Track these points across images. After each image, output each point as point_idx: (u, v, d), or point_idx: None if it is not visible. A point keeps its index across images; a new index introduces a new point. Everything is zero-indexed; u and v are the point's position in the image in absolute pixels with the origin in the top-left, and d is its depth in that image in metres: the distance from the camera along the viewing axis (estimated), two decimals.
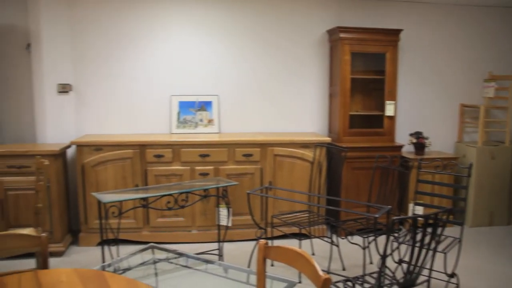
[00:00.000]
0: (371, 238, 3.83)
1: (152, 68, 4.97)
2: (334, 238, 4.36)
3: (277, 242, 4.37)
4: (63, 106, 4.82)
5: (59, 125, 4.80)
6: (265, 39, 5.11)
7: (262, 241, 1.96)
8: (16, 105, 4.89)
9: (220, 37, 5.04)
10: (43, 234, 2.18)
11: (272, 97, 5.19)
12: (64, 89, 4.79)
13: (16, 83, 4.86)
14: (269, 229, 4.39)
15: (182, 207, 3.65)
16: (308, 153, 4.66)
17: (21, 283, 1.91)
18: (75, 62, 4.87)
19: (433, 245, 2.68)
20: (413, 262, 2.64)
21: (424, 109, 5.55)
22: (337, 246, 4.08)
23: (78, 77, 4.89)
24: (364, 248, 3.63)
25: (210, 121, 5.03)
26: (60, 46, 4.75)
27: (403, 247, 3.88)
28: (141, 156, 4.48)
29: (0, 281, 1.93)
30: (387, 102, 4.99)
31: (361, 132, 5.01)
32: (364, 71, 5.15)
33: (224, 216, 4.04)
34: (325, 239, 4.43)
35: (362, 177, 4.86)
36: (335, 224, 4.19)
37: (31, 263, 3.96)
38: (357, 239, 4.05)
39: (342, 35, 4.82)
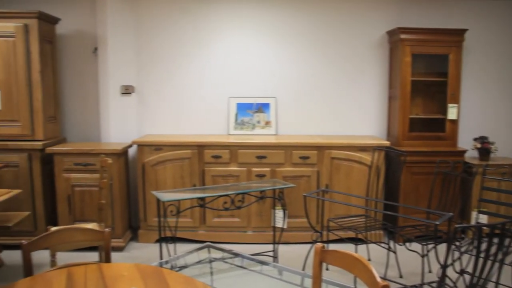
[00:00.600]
0: (430, 246, 3.69)
1: (211, 70, 5.06)
2: (391, 244, 4.25)
3: (332, 246, 4.32)
4: (126, 107, 5.01)
5: (121, 125, 4.99)
6: (323, 40, 5.08)
7: (319, 244, 1.95)
8: (83, 106, 5.14)
9: (278, 39, 5.06)
10: (107, 230, 2.28)
11: (329, 99, 5.15)
12: (127, 90, 4.98)
13: (84, 85, 5.11)
14: (324, 233, 4.35)
15: (239, 207, 3.69)
16: (366, 157, 4.58)
17: (87, 274, 2.01)
18: (137, 64, 5.05)
19: (499, 256, 2.55)
20: (477, 274, 2.52)
21: (489, 113, 5.29)
22: (394, 252, 3.97)
23: (140, 79, 5.07)
24: (423, 256, 3.51)
25: (267, 123, 5.06)
26: (124, 49, 4.94)
27: (465, 257, 3.72)
28: (199, 156, 4.57)
29: (69, 271, 2.04)
30: (450, 105, 4.81)
31: (422, 136, 4.86)
32: (425, 73, 5.00)
33: (279, 218, 4.05)
34: (382, 245, 4.33)
35: (422, 182, 4.71)
36: (393, 229, 4.09)
37: (94, 256, 4.15)
38: (416, 246, 3.92)
39: (402, 36, 4.70)
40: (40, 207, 4.48)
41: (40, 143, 4.42)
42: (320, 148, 4.59)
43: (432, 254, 4.10)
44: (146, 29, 5.01)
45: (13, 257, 4.33)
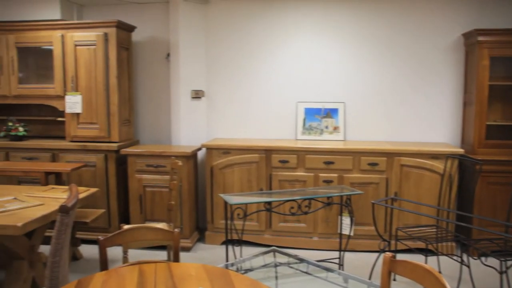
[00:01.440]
0: (510, 263, 3.48)
1: (279, 74, 5.09)
2: (465, 257, 4.04)
3: (400, 256, 4.19)
4: (196, 111, 5.15)
5: (191, 128, 5.13)
6: (393, 43, 4.94)
7: (388, 254, 1.90)
8: (156, 109, 5.35)
9: (347, 43, 4.99)
10: (176, 230, 2.35)
11: (400, 105, 5.00)
12: (197, 95, 5.12)
13: (156, 89, 5.32)
14: (392, 242, 4.22)
15: (305, 213, 3.67)
16: (438, 165, 4.40)
17: (157, 271, 2.08)
18: (207, 69, 5.19)
19: None
20: None
21: None
22: (468, 266, 3.78)
23: (210, 83, 5.20)
24: (501, 273, 3.32)
25: (336, 128, 5.00)
26: (195, 55, 5.09)
27: None
28: (267, 161, 4.60)
29: (140, 268, 2.13)
30: None
31: (500, 144, 4.59)
32: (504, 77, 4.72)
33: (346, 225, 3.98)
34: (454, 257, 4.13)
35: (500, 193, 4.45)
36: (467, 242, 3.89)
37: (162, 254, 4.29)
38: (492, 261, 3.70)
39: (480, 38, 4.47)
40: (114, 206, 4.71)
41: (116, 144, 4.65)
42: (389, 155, 4.47)
43: (511, 271, 3.86)
44: (215, 35, 5.14)
45: (89, 251, 4.59)
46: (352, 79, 5.02)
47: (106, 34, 4.62)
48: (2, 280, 3.53)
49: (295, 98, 5.08)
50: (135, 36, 5.19)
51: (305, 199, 3.69)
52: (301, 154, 4.56)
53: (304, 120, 5.04)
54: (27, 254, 3.29)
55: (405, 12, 4.90)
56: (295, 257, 3.37)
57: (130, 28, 4.99)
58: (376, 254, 4.13)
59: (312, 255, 4.31)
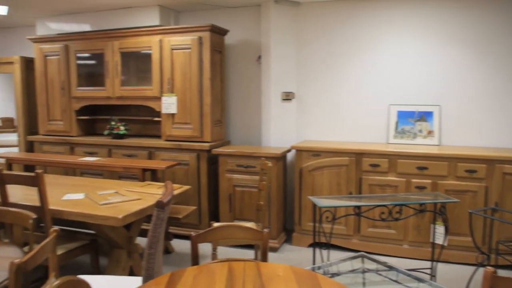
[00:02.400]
0: None
1: (371, 76, 4.96)
2: None
3: (502, 273, 3.90)
4: (286, 112, 5.18)
5: (281, 130, 5.17)
6: (493, 42, 4.60)
7: (490, 269, 1.76)
8: (246, 110, 5.46)
9: (442, 43, 4.74)
10: (265, 230, 2.38)
11: (500, 108, 4.64)
12: (288, 97, 5.15)
13: (247, 91, 5.43)
14: (492, 256, 3.94)
15: (396, 219, 3.55)
16: None
17: (245, 270, 2.12)
18: (298, 71, 5.19)
19: None
20: None
21: None
22: None
23: (300, 85, 5.20)
24: None
25: (430, 133, 4.77)
26: (285, 57, 5.12)
27: None
28: (357, 164, 4.51)
29: (230, 265, 2.18)
30: None
31: None
32: None
33: (440, 234, 3.78)
34: None
35: None
36: None
37: (249, 253, 4.36)
38: None
39: None
40: (205, 203, 4.87)
41: (208, 144, 4.81)
42: (490, 162, 4.17)
43: None
44: (306, 37, 5.13)
45: (180, 245, 4.78)
46: (449, 81, 4.76)
47: (200, 38, 4.80)
48: (105, 267, 3.80)
49: (387, 100, 4.93)
50: (228, 39, 5.34)
51: (396, 205, 3.56)
52: (393, 158, 4.41)
53: (397, 123, 4.86)
54: (126, 244, 3.51)
55: (505, 11, 4.55)
56: (384, 264, 3.27)
57: (223, 32, 5.14)
58: (472, 268, 3.89)
59: (402, 263, 4.16)
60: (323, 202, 3.52)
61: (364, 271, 3.47)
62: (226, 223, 3.75)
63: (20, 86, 5.96)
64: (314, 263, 3.74)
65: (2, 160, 5.32)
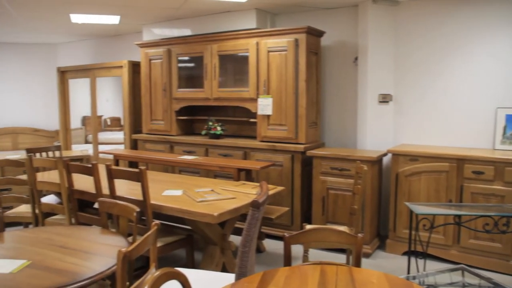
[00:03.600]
0: None
1: (475, 77, 4.65)
2: None
3: None
4: (383, 115, 5.03)
5: (377, 133, 5.03)
6: None
7: None
8: (342, 113, 5.38)
9: None
10: (360, 235, 2.33)
11: None
12: (385, 99, 5.00)
13: (343, 93, 5.35)
14: None
15: (503, 232, 3.29)
16: None
17: (338, 274, 2.09)
18: (396, 72, 5.02)
19: None
20: None
21: None
22: None
23: (398, 87, 5.02)
24: None
25: None
26: (383, 58, 4.97)
27: None
28: (458, 170, 4.25)
29: (322, 268, 2.16)
30: None
31: None
32: None
33: None
34: None
35: None
36: None
37: (340, 258, 4.29)
38: None
39: None
40: (298, 205, 4.88)
41: (302, 146, 4.81)
42: None
43: None
44: (405, 37, 4.94)
45: (272, 245, 4.83)
46: None
47: (296, 40, 4.81)
48: (199, 261, 3.95)
49: (494, 103, 4.58)
50: (324, 40, 5.30)
51: (503, 216, 3.31)
52: (500, 165, 4.09)
53: (505, 128, 4.51)
54: (220, 241, 3.62)
55: None
56: (488, 280, 3.06)
57: (319, 33, 5.11)
58: None
59: (508, 281, 3.85)
60: (420, 209, 3.36)
61: (464, 285, 3.26)
62: (319, 225, 3.73)
63: (127, 88, 6.40)
64: (409, 272, 3.59)
65: (110, 156, 5.75)
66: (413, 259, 3.85)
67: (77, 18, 5.91)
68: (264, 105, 5.05)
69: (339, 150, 4.89)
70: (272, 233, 5.00)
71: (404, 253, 4.49)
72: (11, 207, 4.83)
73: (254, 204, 2.28)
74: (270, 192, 3.72)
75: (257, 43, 5.07)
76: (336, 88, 5.40)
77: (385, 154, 4.72)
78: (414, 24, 4.89)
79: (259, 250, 4.64)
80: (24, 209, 4.45)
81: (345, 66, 5.32)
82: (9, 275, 2.19)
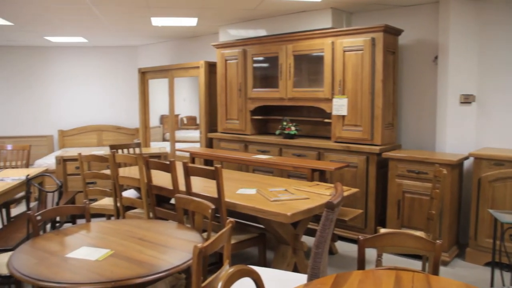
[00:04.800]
0: None
1: None
2: None
3: None
4: (464, 117, 4.78)
5: (458, 135, 4.78)
6: None
7: None
8: (419, 114, 5.18)
9: None
10: (438, 241, 2.23)
11: None
12: (467, 100, 4.74)
13: (421, 93, 5.15)
14: None
15: None
16: None
17: (414, 281, 2.02)
18: (479, 72, 4.74)
19: None
20: None
21: None
22: None
23: (481, 87, 4.74)
24: None
25: None
26: (465, 57, 4.72)
27: None
28: None
29: (397, 274, 2.10)
30: None
31: None
32: None
33: None
34: None
35: None
36: None
37: (414, 264, 4.15)
38: None
39: None
40: (372, 207, 4.77)
41: (378, 147, 4.69)
42: None
43: None
44: (490, 34, 4.64)
45: (344, 247, 4.77)
46: None
47: (373, 39, 4.70)
48: (271, 260, 3.98)
49: None
50: (402, 39, 5.13)
51: None
52: None
53: None
54: (292, 241, 3.62)
55: None
56: None
57: (397, 32, 4.96)
58: None
59: None
60: (506, 217, 3.16)
61: None
62: (395, 230, 3.63)
63: (203, 88, 6.58)
64: (492, 285, 3.39)
65: (187, 154, 5.94)
66: (497, 271, 3.63)
67: (157, 21, 6.17)
68: (339, 105, 4.99)
69: (417, 152, 4.71)
70: (344, 235, 4.93)
71: (487, 264, 4.24)
72: (95, 200, 5.14)
73: (329, 205, 2.26)
74: (345, 194, 3.66)
75: (333, 43, 5.01)
76: (414, 88, 5.21)
77: (466, 158, 4.48)
78: (500, 20, 4.59)
79: (332, 252, 4.59)
80: (107, 202, 4.72)
81: (424, 65, 5.11)
82: (95, 262, 2.33)
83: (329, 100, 5.10)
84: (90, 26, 6.57)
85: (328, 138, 5.39)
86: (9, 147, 6.05)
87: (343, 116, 4.98)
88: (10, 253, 2.99)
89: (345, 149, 4.90)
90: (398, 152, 4.66)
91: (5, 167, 5.71)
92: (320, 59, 5.22)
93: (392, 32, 4.85)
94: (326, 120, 5.30)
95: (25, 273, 2.21)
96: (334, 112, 5.04)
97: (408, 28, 5.12)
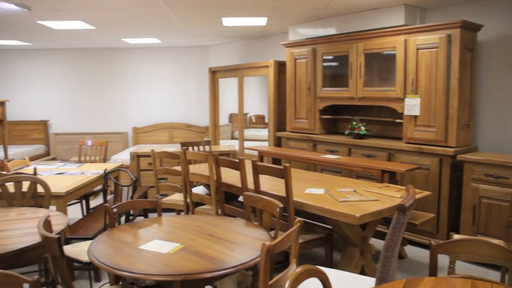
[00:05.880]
0: None
1: None
2: None
3: None
4: None
5: None
6: None
7: None
8: (499, 114, 4.87)
9: None
10: None
11: None
12: None
13: (503, 92, 4.84)
14: None
15: None
16: None
17: None
18: None
19: None
20: None
21: None
22: None
23: None
24: None
25: None
26: None
27: None
28: None
29: (473, 283, 2.00)
30: None
31: None
32: None
33: None
34: None
35: None
36: None
37: (491, 274, 3.93)
38: None
39: None
40: (444, 212, 4.57)
41: (452, 149, 4.49)
42: None
43: None
44: None
45: (414, 252, 4.61)
46: None
47: (449, 36, 4.50)
48: (337, 262, 3.94)
49: None
50: (481, 35, 4.86)
51: None
52: None
53: None
54: (360, 243, 3.56)
55: None
56: None
57: (476, 28, 4.71)
58: None
59: None
60: None
61: None
62: (470, 236, 3.46)
63: (272, 87, 6.61)
64: None
65: (255, 153, 6.01)
66: None
67: (228, 21, 6.28)
68: (411, 105, 4.82)
69: (496, 155, 4.45)
70: (414, 239, 4.77)
71: None
72: (166, 195, 5.33)
73: (400, 208, 2.20)
74: (416, 197, 3.54)
75: (405, 40, 4.86)
76: (494, 87, 4.91)
77: None
78: None
79: (401, 256, 4.45)
80: (177, 197, 4.87)
81: (505, 62, 4.81)
82: (166, 255, 2.42)
83: (401, 100, 4.95)
84: (164, 27, 6.81)
85: (399, 138, 5.23)
86: (89, 142, 6.42)
87: (415, 116, 4.81)
88: (89, 241, 3.18)
89: (417, 150, 4.73)
90: (474, 155, 4.43)
91: (85, 162, 6.07)
92: (391, 58, 5.07)
93: (470, 28, 4.62)
94: (397, 120, 5.14)
95: (103, 261, 2.34)
96: (406, 112, 4.88)
97: (488, 23, 4.83)
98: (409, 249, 4.65)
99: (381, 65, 5.41)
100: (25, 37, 7.73)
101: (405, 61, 4.88)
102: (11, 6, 5.01)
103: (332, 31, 5.88)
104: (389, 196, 3.49)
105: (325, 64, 5.88)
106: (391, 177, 4.40)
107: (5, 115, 6.26)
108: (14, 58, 9.72)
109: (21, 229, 2.96)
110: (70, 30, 6.87)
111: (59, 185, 4.14)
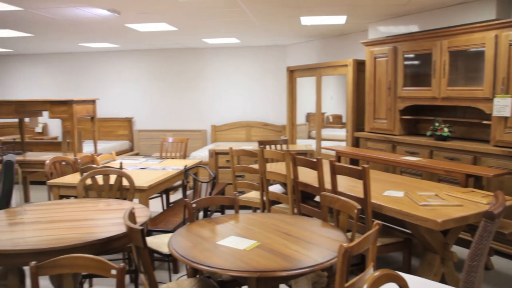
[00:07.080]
0: None
1: None
2: None
3: None
4: None
5: None
6: None
7: None
8: None
9: None
10: None
11: None
12: None
13: None
14: None
15: None
16: None
17: None
18: None
19: None
20: None
21: None
22: None
23: None
24: None
25: None
26: None
27: None
28: None
29: None
30: None
31: None
32: None
33: None
34: None
35: None
36: None
37: None
38: None
39: None
40: None
41: None
42: None
43: None
44: None
45: (502, 263, 4.33)
46: None
47: None
48: (415, 268, 3.79)
49: None
50: None
51: None
52: None
53: None
54: (441, 249, 3.40)
55: None
56: None
57: None
58: None
59: None
60: None
61: None
62: None
63: (351, 86, 6.50)
64: None
65: (332, 152, 5.94)
66: None
67: (306, 21, 6.25)
68: (501, 106, 4.53)
69: None
70: (502, 250, 4.47)
71: None
72: (243, 192, 5.42)
73: (489, 215, 2.08)
74: (506, 204, 3.33)
75: (496, 36, 4.57)
76: None
77: None
78: None
79: (487, 267, 4.20)
80: (254, 195, 4.94)
81: None
82: (243, 251, 2.46)
83: (489, 100, 4.66)
84: (243, 27, 6.92)
85: (486, 141, 4.93)
86: (170, 139, 6.68)
87: (506, 118, 4.51)
88: (169, 234, 3.32)
89: (506, 154, 4.43)
90: None
91: (166, 158, 6.32)
92: (479, 55, 4.79)
93: None
94: (484, 122, 4.85)
95: (182, 254, 2.42)
96: (495, 113, 4.59)
97: None
98: (496, 260, 4.38)
99: (467, 63, 5.13)
100: (114, 40, 8.22)
101: (495, 58, 4.59)
102: (104, 12, 5.37)
103: (414, 28, 5.67)
104: (474, 202, 3.30)
105: (406, 62, 5.68)
106: (476, 182, 4.16)
107: (95, 112, 6.70)
108: (104, 59, 10.35)
109: (108, 219, 3.14)
110: (155, 32, 7.20)
111: (142, 179, 4.35)
